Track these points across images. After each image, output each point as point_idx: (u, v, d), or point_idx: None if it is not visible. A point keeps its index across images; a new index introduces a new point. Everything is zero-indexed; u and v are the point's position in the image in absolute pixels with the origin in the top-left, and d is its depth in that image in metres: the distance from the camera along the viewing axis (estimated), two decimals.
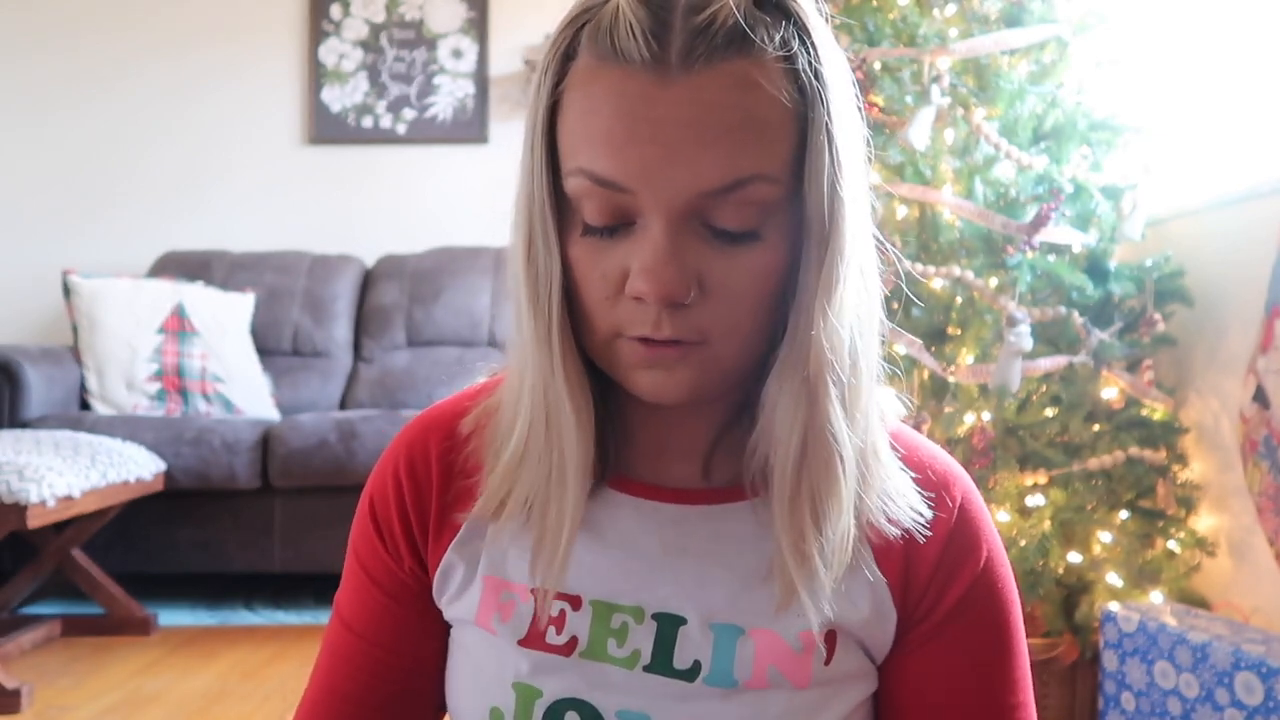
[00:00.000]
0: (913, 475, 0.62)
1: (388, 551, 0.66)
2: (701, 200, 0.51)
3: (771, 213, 0.53)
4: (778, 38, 0.52)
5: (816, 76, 0.53)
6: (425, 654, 0.66)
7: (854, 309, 0.56)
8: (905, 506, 0.60)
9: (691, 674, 0.59)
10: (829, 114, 0.53)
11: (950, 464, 0.65)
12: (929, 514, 0.60)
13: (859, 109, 0.57)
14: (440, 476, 0.64)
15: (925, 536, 0.60)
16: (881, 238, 0.61)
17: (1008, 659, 0.62)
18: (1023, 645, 0.64)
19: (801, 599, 0.56)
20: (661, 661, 0.60)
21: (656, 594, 0.60)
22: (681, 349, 0.54)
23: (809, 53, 0.53)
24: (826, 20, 0.55)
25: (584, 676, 0.60)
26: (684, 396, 0.56)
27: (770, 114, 0.51)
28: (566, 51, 0.54)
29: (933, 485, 0.62)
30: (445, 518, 0.64)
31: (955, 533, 0.62)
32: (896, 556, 0.61)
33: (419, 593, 0.66)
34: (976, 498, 0.65)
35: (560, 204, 0.55)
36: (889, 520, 0.59)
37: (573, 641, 0.60)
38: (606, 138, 0.51)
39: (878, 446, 0.60)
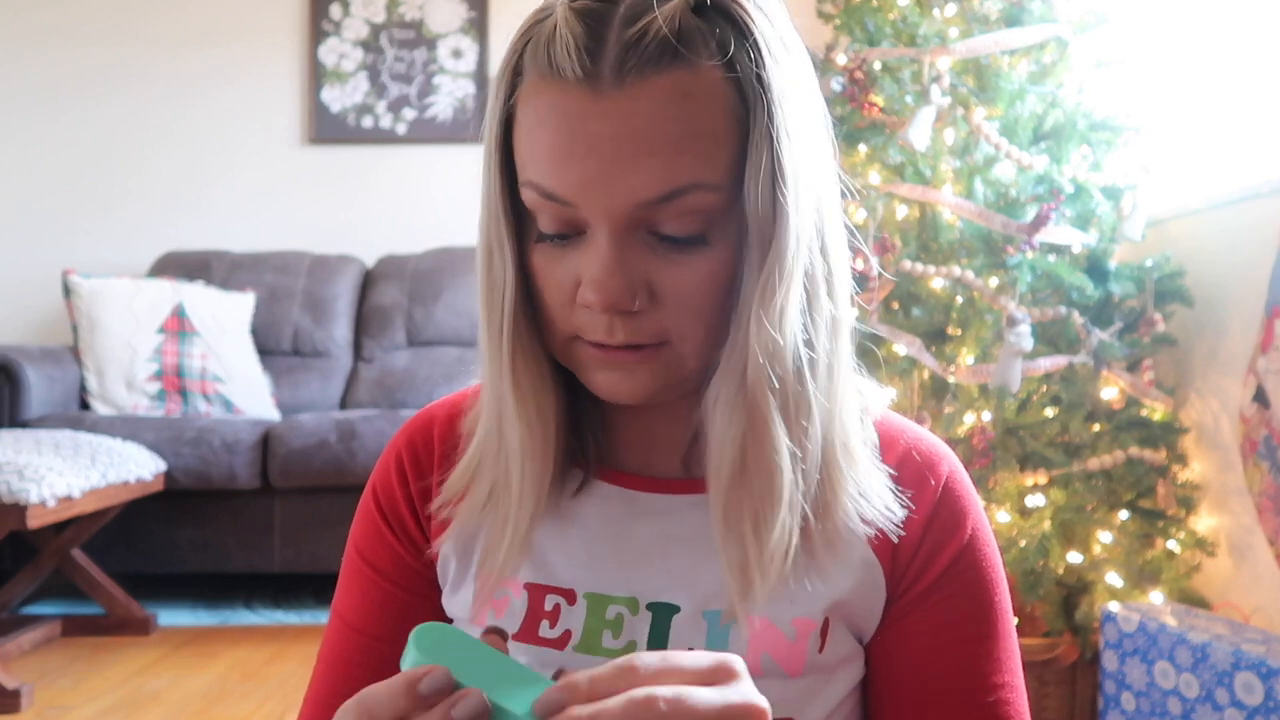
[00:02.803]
0: (890, 470, 0.62)
1: (397, 538, 0.66)
2: (641, 211, 0.52)
3: (715, 219, 0.53)
4: (714, 44, 0.51)
5: (759, 80, 0.52)
6: None
7: (797, 316, 0.55)
8: (879, 505, 0.60)
9: None
10: (771, 118, 0.52)
11: (936, 444, 0.65)
12: (901, 513, 0.60)
13: (820, 109, 0.57)
14: (440, 468, 0.65)
15: (899, 533, 0.60)
16: (858, 236, 0.61)
17: (992, 637, 0.62)
18: (1009, 627, 0.63)
19: (745, 603, 0.57)
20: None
21: (651, 584, 0.61)
22: (640, 353, 0.55)
23: (750, 55, 0.52)
24: (772, 22, 0.54)
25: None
26: (641, 397, 0.57)
27: (707, 123, 0.52)
28: (515, 67, 0.55)
29: (917, 466, 0.63)
30: (442, 510, 0.65)
31: (940, 507, 0.62)
32: (886, 537, 0.61)
33: (429, 581, 0.66)
34: (963, 477, 0.65)
35: (519, 212, 0.57)
36: (862, 520, 0.59)
37: (566, 635, 0.60)
38: (549, 153, 0.52)
39: (850, 446, 0.60)
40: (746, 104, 0.52)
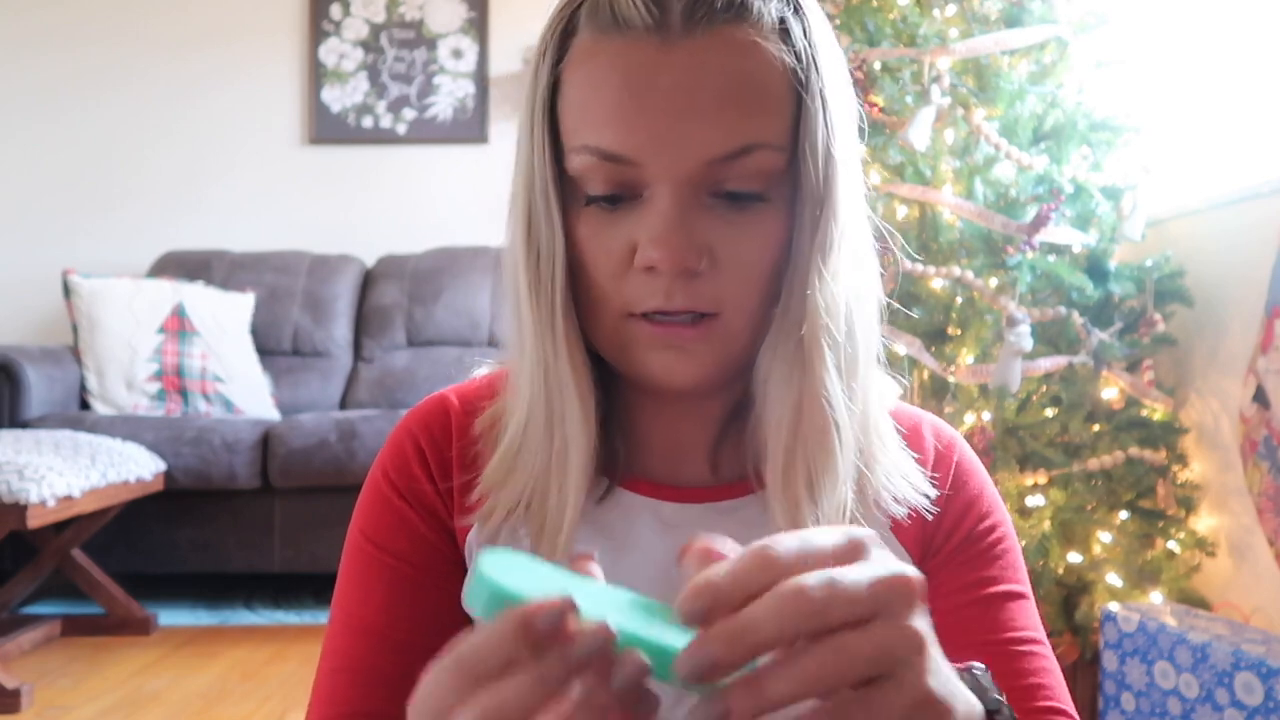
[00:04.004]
0: (915, 455, 0.62)
1: (420, 516, 0.61)
2: (708, 168, 0.52)
3: (775, 182, 0.54)
4: (771, 5, 0.53)
5: (810, 45, 0.54)
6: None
7: (849, 276, 0.56)
8: (910, 487, 0.59)
9: None
10: (823, 82, 0.54)
11: (941, 426, 0.66)
12: (934, 492, 0.60)
13: (850, 80, 0.58)
14: (459, 449, 0.62)
15: (933, 513, 0.60)
16: (879, 222, 0.62)
17: (1016, 598, 0.61)
18: (1031, 595, 0.62)
19: None
20: None
21: (677, 596, 0.58)
22: (696, 328, 0.54)
23: (803, 22, 0.54)
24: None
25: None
26: (698, 378, 0.55)
27: (770, 80, 0.52)
28: (565, 29, 0.54)
29: (930, 443, 0.64)
30: (464, 495, 0.61)
31: (956, 481, 0.63)
32: (913, 529, 0.61)
33: (454, 565, 0.61)
34: (973, 454, 0.66)
35: (562, 183, 0.55)
36: (895, 500, 0.59)
37: None
38: (613, 111, 0.51)
39: (879, 426, 0.59)
40: (801, 67, 0.53)
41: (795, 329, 0.54)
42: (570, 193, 0.55)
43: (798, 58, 0.53)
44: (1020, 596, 0.61)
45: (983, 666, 0.46)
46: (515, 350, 0.58)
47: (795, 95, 0.53)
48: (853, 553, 0.36)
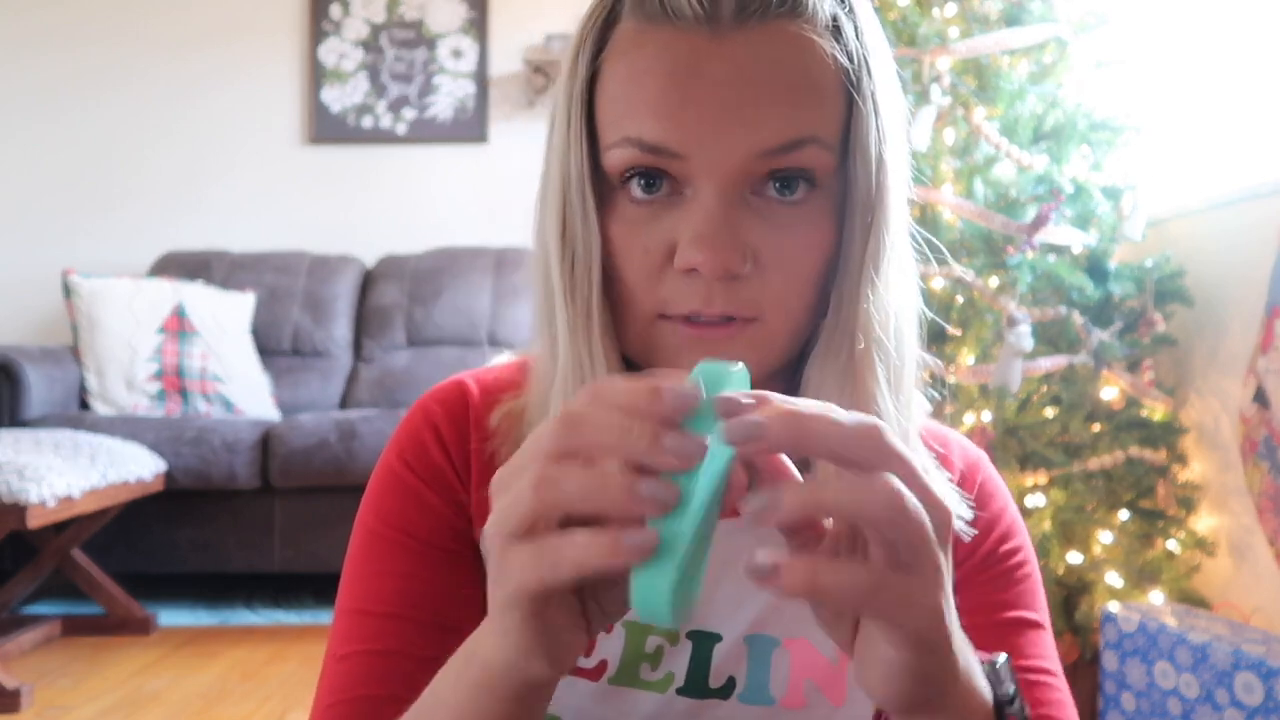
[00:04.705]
0: (949, 475, 0.60)
1: (439, 496, 0.59)
2: (757, 162, 0.49)
3: (823, 183, 0.52)
4: (825, 5, 0.51)
5: (863, 46, 0.52)
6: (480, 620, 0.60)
7: (898, 285, 0.54)
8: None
9: (726, 691, 0.57)
10: (874, 84, 0.52)
11: (967, 445, 0.65)
12: (969, 514, 0.57)
13: (900, 85, 0.56)
14: (477, 439, 0.60)
15: (969, 535, 0.58)
16: (921, 231, 0.60)
17: (1034, 626, 0.59)
18: (1049, 624, 0.61)
19: None
20: (696, 681, 0.57)
21: (693, 613, 0.57)
22: (731, 328, 0.51)
23: (855, 22, 0.52)
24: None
25: (610, 704, 0.57)
26: None
27: (822, 77, 0.51)
28: (607, 19, 0.52)
29: (956, 462, 0.62)
30: (480, 492, 0.58)
31: (980, 499, 0.61)
32: None
33: (475, 550, 0.59)
34: (995, 472, 0.65)
35: (598, 179, 0.53)
36: None
37: (602, 665, 0.57)
38: (659, 100, 0.49)
39: (918, 445, 0.57)
40: (852, 67, 0.52)
41: (847, 341, 0.52)
42: (606, 189, 0.53)
43: (850, 58, 0.51)
44: (1038, 626, 0.60)
45: (1005, 657, 0.45)
46: (546, 351, 0.56)
47: (847, 96, 0.52)
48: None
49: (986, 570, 0.60)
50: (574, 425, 0.36)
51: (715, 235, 0.49)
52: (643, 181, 0.51)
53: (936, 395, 0.65)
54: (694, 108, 0.49)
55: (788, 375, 0.56)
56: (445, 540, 0.58)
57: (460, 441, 0.60)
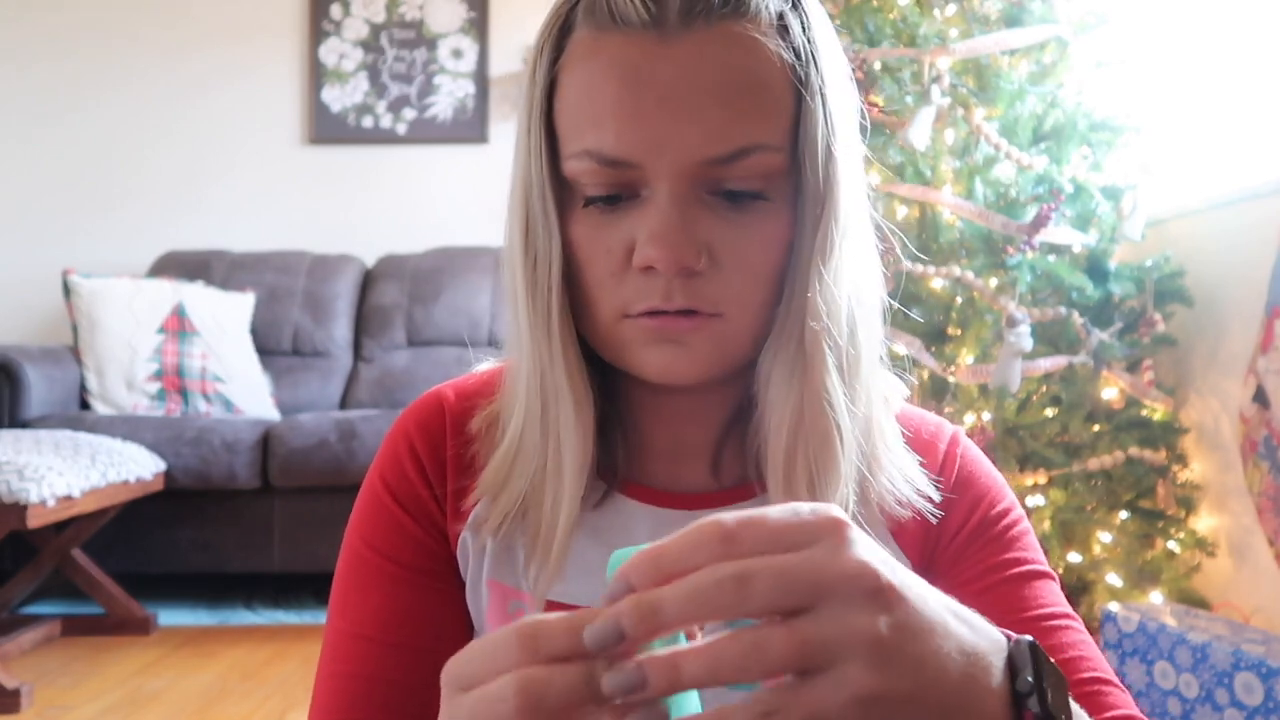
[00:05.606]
0: (920, 458, 0.60)
1: (418, 523, 0.61)
2: (707, 169, 0.51)
3: (776, 182, 0.53)
4: (771, 1, 0.52)
5: (809, 42, 0.53)
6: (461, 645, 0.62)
7: (851, 277, 0.55)
8: (913, 489, 0.58)
9: None
10: (822, 79, 0.53)
11: (942, 423, 0.65)
12: (937, 495, 0.59)
13: (850, 78, 0.57)
14: (454, 451, 0.61)
15: (937, 516, 0.59)
16: (881, 221, 0.61)
17: (1040, 577, 0.59)
18: (1054, 576, 0.60)
19: None
20: None
21: None
22: (695, 320, 0.53)
23: (802, 18, 0.54)
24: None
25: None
26: (697, 374, 0.54)
27: (769, 77, 0.52)
28: (563, 27, 0.54)
29: (927, 441, 0.62)
30: (458, 501, 0.61)
31: (959, 477, 0.61)
32: (915, 532, 0.59)
33: (452, 568, 0.62)
34: (971, 444, 0.64)
35: (559, 184, 0.54)
36: (898, 503, 0.58)
37: None
38: (611, 111, 0.51)
39: (884, 428, 0.59)
40: (800, 65, 0.53)
41: (796, 330, 0.54)
42: (567, 194, 0.54)
43: (796, 54, 0.53)
44: (1044, 575, 0.60)
45: (1030, 640, 0.39)
46: (514, 352, 0.58)
47: (795, 93, 0.53)
48: (815, 533, 0.33)
49: (982, 536, 0.60)
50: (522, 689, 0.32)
51: (669, 233, 0.50)
52: (602, 193, 0.53)
53: (914, 380, 0.65)
54: (644, 117, 0.50)
55: (745, 385, 0.58)
56: (425, 563, 0.61)
57: (438, 465, 0.62)
